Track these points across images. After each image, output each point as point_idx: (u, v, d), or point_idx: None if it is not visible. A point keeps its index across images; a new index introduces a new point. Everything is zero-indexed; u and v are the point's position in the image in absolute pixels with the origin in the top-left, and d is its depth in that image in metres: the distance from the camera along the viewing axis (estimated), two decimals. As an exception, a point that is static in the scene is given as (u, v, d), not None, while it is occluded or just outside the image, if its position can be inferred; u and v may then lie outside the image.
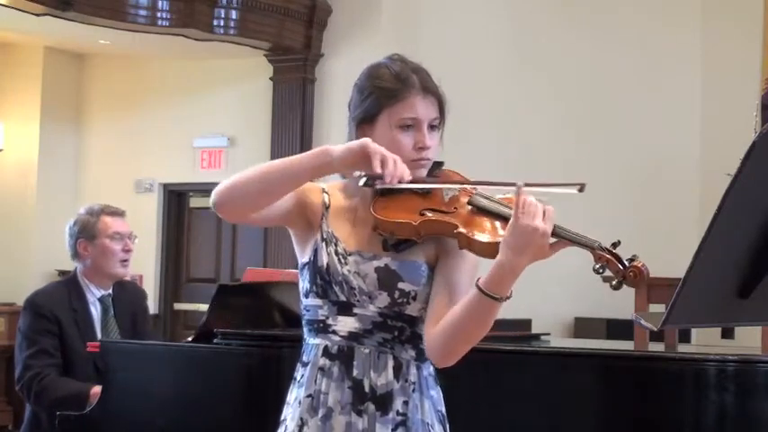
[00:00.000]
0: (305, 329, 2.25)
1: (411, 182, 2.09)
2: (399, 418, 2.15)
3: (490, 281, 2.01)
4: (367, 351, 2.16)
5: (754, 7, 6.77)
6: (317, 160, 2.09)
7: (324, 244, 2.19)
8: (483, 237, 2.05)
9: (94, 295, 3.99)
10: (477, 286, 2.02)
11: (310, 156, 2.10)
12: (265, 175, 2.10)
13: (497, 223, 2.07)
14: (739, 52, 7.75)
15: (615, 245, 1.99)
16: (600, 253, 1.97)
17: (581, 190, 2.01)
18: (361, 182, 2.08)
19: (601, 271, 1.97)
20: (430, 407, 2.20)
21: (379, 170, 2.04)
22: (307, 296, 2.22)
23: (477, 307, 2.03)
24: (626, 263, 1.96)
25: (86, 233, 3.97)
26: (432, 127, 2.20)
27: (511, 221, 1.98)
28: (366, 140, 2.08)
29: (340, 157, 2.08)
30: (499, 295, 2.01)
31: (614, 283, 1.98)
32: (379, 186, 2.08)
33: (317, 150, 2.11)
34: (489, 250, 2.03)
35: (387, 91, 2.18)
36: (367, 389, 2.15)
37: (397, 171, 2.05)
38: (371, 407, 2.15)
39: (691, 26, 8.64)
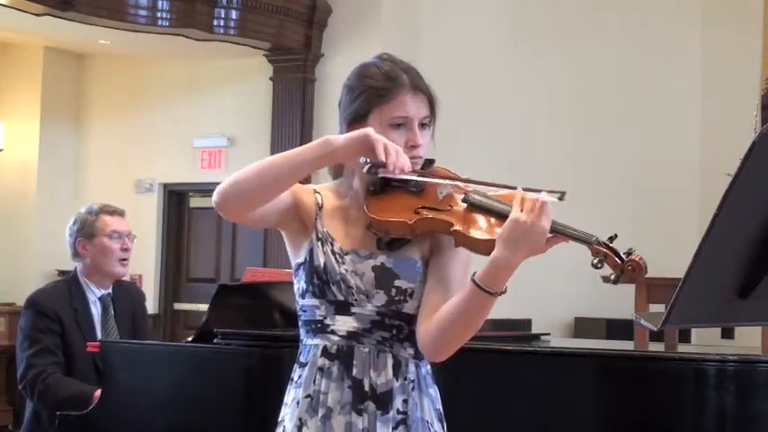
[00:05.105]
0: (302, 330, 2.24)
1: (412, 174, 2.09)
2: (400, 416, 2.15)
3: (486, 276, 2.01)
4: (366, 350, 2.16)
5: (754, 7, 6.78)
6: (320, 150, 2.09)
7: (319, 243, 2.19)
8: (479, 234, 2.05)
9: (95, 294, 3.99)
10: (473, 281, 2.02)
11: (312, 146, 2.10)
12: (268, 169, 2.10)
13: (493, 220, 2.06)
14: (739, 52, 7.75)
15: (612, 239, 1.98)
16: (597, 247, 1.97)
17: (561, 198, 2.01)
18: (365, 168, 2.07)
19: (599, 266, 1.97)
20: (429, 405, 2.21)
21: (383, 158, 2.04)
22: (303, 296, 2.23)
23: (473, 301, 2.04)
24: (623, 257, 1.96)
25: (85, 232, 3.97)
26: (423, 125, 2.20)
27: (509, 217, 1.99)
28: (368, 130, 2.08)
29: (342, 146, 2.08)
30: (494, 290, 2.01)
31: (613, 277, 1.98)
32: (381, 175, 2.07)
33: (318, 141, 2.10)
34: (486, 247, 2.03)
35: (377, 90, 2.18)
36: (367, 388, 2.15)
37: (399, 161, 2.05)
38: (372, 406, 2.14)
39: (691, 26, 8.64)
